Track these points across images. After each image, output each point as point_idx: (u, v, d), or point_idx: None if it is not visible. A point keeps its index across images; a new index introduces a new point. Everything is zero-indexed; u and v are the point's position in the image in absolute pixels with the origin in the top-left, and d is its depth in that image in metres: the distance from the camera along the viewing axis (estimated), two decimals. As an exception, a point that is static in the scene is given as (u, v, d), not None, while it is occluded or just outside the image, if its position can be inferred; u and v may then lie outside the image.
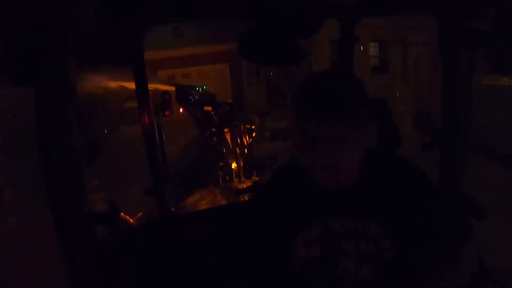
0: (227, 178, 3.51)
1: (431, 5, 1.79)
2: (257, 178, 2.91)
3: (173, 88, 4.74)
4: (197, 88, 5.25)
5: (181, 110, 4.80)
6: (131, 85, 2.12)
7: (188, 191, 3.00)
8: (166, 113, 2.82)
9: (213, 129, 4.11)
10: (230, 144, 3.92)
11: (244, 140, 3.90)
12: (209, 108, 4.24)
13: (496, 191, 4.41)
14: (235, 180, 3.51)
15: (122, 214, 2.11)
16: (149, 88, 2.14)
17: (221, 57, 16.86)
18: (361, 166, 1.35)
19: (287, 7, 1.81)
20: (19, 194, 5.64)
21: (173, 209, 2.32)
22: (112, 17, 1.66)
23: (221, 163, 3.61)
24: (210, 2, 1.64)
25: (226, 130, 3.96)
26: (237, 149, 3.86)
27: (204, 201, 2.52)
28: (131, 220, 2.19)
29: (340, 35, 2.34)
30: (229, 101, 4.48)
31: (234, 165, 3.63)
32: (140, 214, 2.29)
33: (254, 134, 4.04)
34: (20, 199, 5.55)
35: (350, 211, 1.35)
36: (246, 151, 3.90)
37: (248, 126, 4.01)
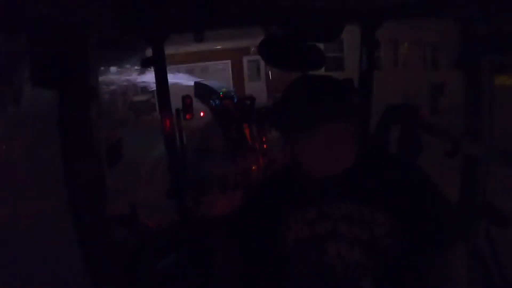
0: (243, 177, 3.43)
1: (452, 9, 1.77)
2: None
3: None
4: (220, 92, 5.22)
5: (202, 114, 4.81)
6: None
7: (205, 189, 2.96)
8: (187, 116, 2.84)
9: (233, 125, 4.07)
10: (249, 140, 3.87)
11: (263, 136, 3.85)
12: (229, 103, 4.20)
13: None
14: (253, 176, 3.42)
15: (141, 217, 2.13)
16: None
17: (223, 54, 17.31)
18: (357, 154, 1.39)
19: (309, 12, 1.80)
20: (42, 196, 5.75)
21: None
22: (133, 24, 1.68)
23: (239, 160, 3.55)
24: (232, 10, 1.65)
25: (245, 125, 3.90)
26: (257, 145, 3.81)
27: (221, 203, 2.49)
28: (151, 223, 2.21)
29: (360, 39, 2.32)
30: (250, 95, 4.41)
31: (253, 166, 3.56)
32: (159, 217, 2.31)
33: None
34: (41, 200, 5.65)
35: (344, 196, 1.38)
36: (265, 147, 3.85)
37: None
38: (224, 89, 4.95)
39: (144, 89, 17.51)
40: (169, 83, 2.12)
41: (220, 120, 4.39)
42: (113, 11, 1.42)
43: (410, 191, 1.35)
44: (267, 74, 17.97)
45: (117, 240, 1.87)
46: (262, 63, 17.53)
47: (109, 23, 1.63)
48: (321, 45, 2.12)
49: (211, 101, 4.73)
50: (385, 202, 1.33)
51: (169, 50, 2.14)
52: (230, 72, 18.74)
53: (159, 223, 2.27)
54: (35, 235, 4.87)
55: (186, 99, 2.85)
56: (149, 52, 2.13)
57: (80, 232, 1.56)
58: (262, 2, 1.53)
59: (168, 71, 2.18)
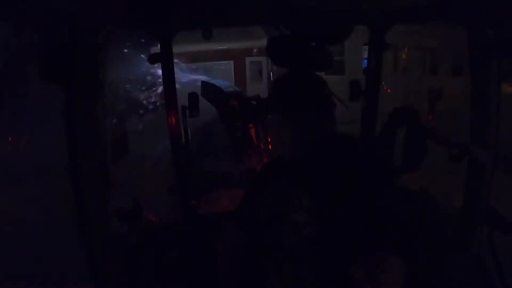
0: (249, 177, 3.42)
1: (461, 13, 1.76)
2: None
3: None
4: (227, 92, 5.13)
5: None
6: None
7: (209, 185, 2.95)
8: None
9: (238, 124, 4.05)
10: (255, 140, 3.85)
11: (269, 137, 3.84)
12: (235, 102, 4.17)
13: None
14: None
15: (144, 212, 2.13)
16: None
17: (226, 54, 17.49)
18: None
19: (318, 13, 1.80)
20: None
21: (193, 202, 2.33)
22: (142, 20, 1.68)
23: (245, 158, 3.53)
24: (240, 8, 1.65)
25: (251, 125, 3.88)
26: (262, 145, 3.79)
27: (226, 200, 2.46)
28: (154, 218, 2.21)
29: (369, 40, 2.32)
30: (257, 95, 4.39)
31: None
32: (162, 212, 2.31)
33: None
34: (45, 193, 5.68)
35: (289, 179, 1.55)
36: (270, 148, 3.83)
37: None
38: (231, 89, 4.89)
39: (148, 84, 17.56)
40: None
41: (226, 119, 4.38)
42: (122, 6, 1.43)
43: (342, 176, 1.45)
44: (268, 76, 18.09)
45: (120, 235, 1.88)
46: (264, 64, 17.80)
47: (118, 18, 1.64)
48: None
49: (218, 100, 4.70)
50: (313, 186, 1.47)
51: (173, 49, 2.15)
52: (233, 72, 18.85)
53: (162, 218, 2.28)
54: (38, 228, 4.90)
55: (192, 96, 2.84)
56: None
57: (83, 226, 1.57)
58: (272, 2, 1.54)
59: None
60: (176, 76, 2.18)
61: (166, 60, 2.12)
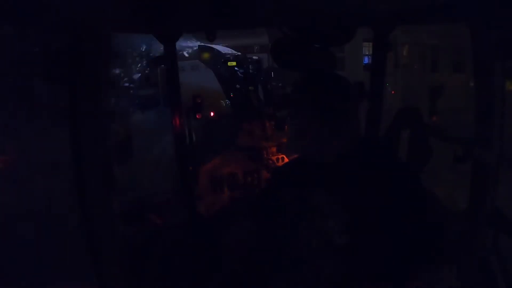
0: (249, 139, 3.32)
1: (465, 13, 1.75)
2: (284, 140, 2.72)
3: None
4: (227, 56, 4.86)
5: (212, 114, 4.78)
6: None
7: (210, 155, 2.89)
8: (197, 116, 2.85)
9: (238, 86, 3.99)
10: (255, 103, 3.79)
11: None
12: (233, 64, 4.11)
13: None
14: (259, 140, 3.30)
15: (149, 213, 2.14)
16: None
17: None
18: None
19: (322, 15, 1.80)
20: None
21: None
22: (145, 22, 1.68)
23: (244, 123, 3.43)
24: (244, 10, 1.65)
25: (251, 88, 3.83)
26: (262, 109, 3.73)
27: (225, 164, 2.40)
28: (158, 220, 2.21)
29: (373, 41, 2.31)
30: (256, 57, 4.31)
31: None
32: (167, 214, 2.31)
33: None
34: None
35: (317, 183, 1.49)
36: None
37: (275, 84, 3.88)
38: (229, 52, 4.79)
39: (149, 83, 17.56)
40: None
41: (225, 82, 4.29)
42: (127, 8, 1.43)
43: (379, 186, 1.38)
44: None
45: (125, 237, 1.88)
46: (264, 62, 17.71)
47: (122, 19, 1.64)
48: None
49: (218, 66, 4.60)
50: (348, 196, 1.40)
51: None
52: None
53: (167, 220, 2.28)
54: (43, 229, 4.90)
55: (196, 98, 2.85)
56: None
57: (87, 228, 1.57)
58: (276, 4, 1.53)
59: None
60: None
61: (170, 62, 2.13)
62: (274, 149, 2.55)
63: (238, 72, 3.95)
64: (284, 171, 1.76)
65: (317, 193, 1.47)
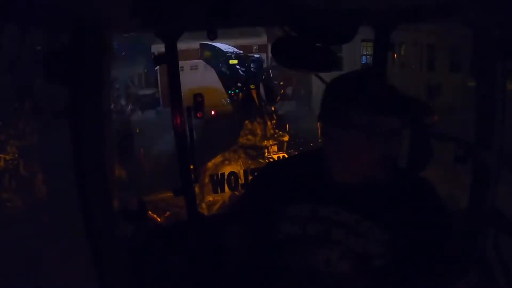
0: (251, 137, 3.32)
1: (466, 13, 1.75)
2: (285, 138, 2.71)
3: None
4: (228, 54, 4.76)
5: (213, 112, 4.78)
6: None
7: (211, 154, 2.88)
8: (198, 115, 2.84)
9: (239, 85, 3.97)
10: (257, 101, 3.79)
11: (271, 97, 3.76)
12: (235, 62, 4.09)
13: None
14: (260, 138, 3.29)
15: (150, 212, 2.14)
16: None
17: None
18: (375, 167, 1.34)
19: (322, 14, 1.80)
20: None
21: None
22: (146, 21, 1.68)
23: (246, 122, 3.42)
24: (245, 9, 1.65)
25: (252, 86, 3.82)
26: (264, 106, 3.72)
27: (227, 163, 2.41)
28: (159, 219, 2.21)
29: (374, 39, 2.31)
30: (257, 55, 4.27)
31: (258, 124, 3.43)
32: (168, 213, 2.31)
33: (282, 91, 3.91)
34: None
35: (347, 203, 1.35)
36: (273, 109, 3.75)
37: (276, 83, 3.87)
38: (231, 50, 4.70)
39: (149, 83, 17.62)
40: None
41: (226, 80, 4.28)
42: (128, 7, 1.43)
43: (416, 211, 1.32)
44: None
45: (126, 236, 1.88)
46: (264, 61, 17.73)
47: (123, 18, 1.64)
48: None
49: (219, 64, 4.58)
50: (388, 219, 1.31)
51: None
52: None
53: (168, 219, 2.28)
54: (45, 228, 4.91)
55: (197, 97, 2.85)
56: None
57: (88, 227, 1.57)
58: (277, 2, 1.53)
59: None
60: None
61: (171, 61, 2.13)
62: (275, 148, 2.56)
63: (239, 70, 3.94)
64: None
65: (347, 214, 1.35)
